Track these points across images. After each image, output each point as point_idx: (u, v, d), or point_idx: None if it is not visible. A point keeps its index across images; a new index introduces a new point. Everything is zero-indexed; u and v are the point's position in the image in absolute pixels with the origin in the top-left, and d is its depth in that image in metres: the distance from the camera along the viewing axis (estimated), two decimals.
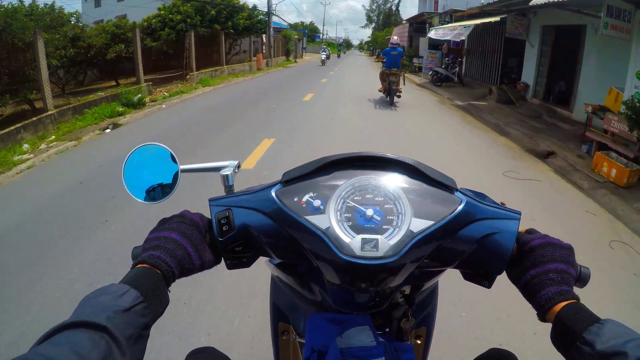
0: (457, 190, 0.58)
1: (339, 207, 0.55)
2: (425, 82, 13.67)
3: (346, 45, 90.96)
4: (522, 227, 0.58)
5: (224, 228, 0.58)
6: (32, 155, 5.25)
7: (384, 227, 0.53)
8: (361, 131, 5.98)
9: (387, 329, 0.63)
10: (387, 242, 0.52)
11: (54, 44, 8.82)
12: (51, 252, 2.62)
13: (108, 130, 6.60)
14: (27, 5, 10.26)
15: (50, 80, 11.30)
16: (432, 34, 12.62)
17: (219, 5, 14.96)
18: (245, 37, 17.65)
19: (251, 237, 0.59)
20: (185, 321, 1.96)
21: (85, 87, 12.89)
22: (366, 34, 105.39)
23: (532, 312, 0.52)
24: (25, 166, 4.71)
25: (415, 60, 18.51)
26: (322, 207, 0.55)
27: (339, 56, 42.65)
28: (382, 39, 38.08)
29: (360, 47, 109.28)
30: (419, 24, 19.21)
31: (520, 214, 0.58)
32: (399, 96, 8.61)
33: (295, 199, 0.57)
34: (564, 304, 0.49)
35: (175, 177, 0.68)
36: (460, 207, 0.55)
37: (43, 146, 5.82)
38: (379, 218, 0.54)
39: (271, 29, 21.67)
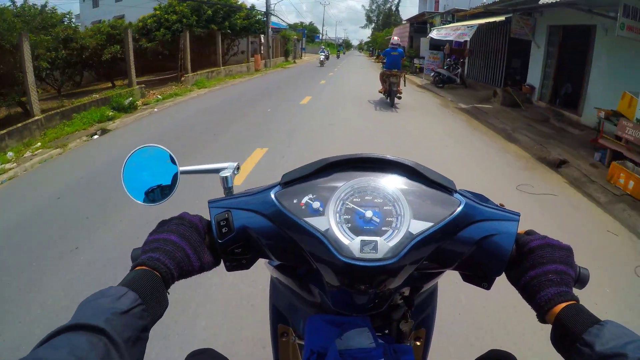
0: (456, 191, 0.58)
1: (338, 209, 0.55)
2: (427, 84, 13.35)
3: (346, 45, 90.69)
4: (521, 228, 0.58)
5: (224, 230, 0.57)
6: (15, 164, 4.95)
7: (383, 228, 0.53)
8: (361, 138, 5.67)
9: (387, 331, 0.62)
10: (386, 243, 0.52)
11: (44, 46, 8.53)
12: (8, 292, 2.27)
13: (96, 137, 6.30)
14: (18, 5, 10.01)
15: (45, 82, 11.26)
16: (434, 34, 12.30)
17: (215, 5, 14.64)
18: (243, 38, 17.33)
19: (250, 239, 0.59)
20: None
21: (81, 88, 12.72)
22: (366, 34, 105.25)
23: (532, 313, 0.52)
24: (7, 177, 4.41)
25: (416, 61, 18.22)
26: (321, 209, 0.55)
27: (338, 57, 42.32)
28: (382, 40, 37.81)
29: (360, 47, 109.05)
30: (420, 24, 18.92)
31: (519, 216, 0.57)
32: (399, 97, 8.53)
33: (295, 201, 0.57)
34: (563, 305, 0.49)
35: (175, 179, 0.68)
36: (459, 209, 0.55)
37: (28, 154, 5.52)
38: (378, 220, 0.54)
39: (270, 29, 21.36)
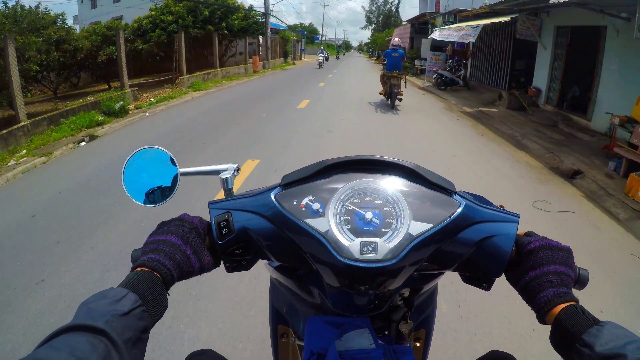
0: (455, 193, 0.58)
1: (338, 210, 0.55)
2: (429, 86, 13.06)
3: (345, 46, 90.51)
4: (521, 229, 0.58)
5: (224, 231, 0.57)
6: None
7: (383, 230, 0.53)
8: (361, 147, 5.35)
9: (386, 332, 0.62)
10: (386, 245, 0.51)
11: (35, 48, 8.25)
12: None
13: (83, 144, 6.00)
14: (10, 6, 9.74)
15: (42, 83, 11.03)
16: (436, 34, 11.99)
17: (212, 6, 14.33)
18: (241, 39, 17.04)
19: (250, 240, 0.59)
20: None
21: (78, 90, 12.54)
22: (365, 35, 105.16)
23: (532, 314, 0.52)
24: None
25: (417, 62, 17.94)
26: (321, 210, 0.55)
27: (337, 58, 42.00)
28: (382, 41, 37.57)
29: (360, 48, 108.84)
30: (421, 25, 18.65)
31: (519, 217, 0.57)
32: (400, 99, 8.44)
33: (295, 202, 0.57)
34: (563, 306, 0.49)
35: (175, 180, 0.68)
36: (459, 210, 0.55)
37: (12, 162, 5.22)
38: (378, 221, 0.54)
39: (268, 30, 21.07)
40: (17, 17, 9.21)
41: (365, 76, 18.28)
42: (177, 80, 11.37)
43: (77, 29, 14.26)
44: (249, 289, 2.22)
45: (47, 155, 5.33)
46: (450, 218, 0.54)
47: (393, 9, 67.08)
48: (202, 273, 0.57)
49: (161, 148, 0.68)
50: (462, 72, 12.31)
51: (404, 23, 27.10)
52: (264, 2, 21.14)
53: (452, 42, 12.65)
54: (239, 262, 0.60)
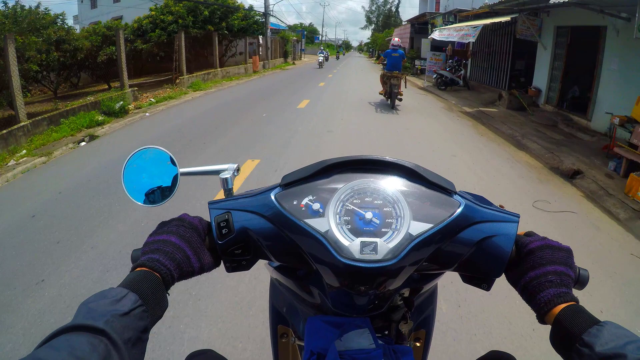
0: (455, 193, 0.58)
1: (338, 210, 0.55)
2: (429, 86, 13.05)
3: (345, 46, 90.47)
4: (521, 229, 0.58)
5: (223, 231, 0.57)
6: None
7: (383, 230, 0.53)
8: (361, 147, 5.36)
9: (386, 332, 0.62)
10: (386, 245, 0.51)
11: (35, 48, 8.25)
12: None
13: (83, 144, 6.00)
14: (10, 6, 9.73)
15: (42, 83, 11.03)
16: (436, 34, 11.98)
17: (212, 6, 14.33)
18: (241, 39, 17.03)
19: (250, 240, 0.58)
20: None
21: (79, 89, 12.54)
22: (366, 35, 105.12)
23: (532, 314, 0.52)
24: None
25: (417, 62, 17.93)
26: (321, 211, 0.55)
27: (337, 58, 42.01)
28: (382, 41, 37.56)
29: (360, 48, 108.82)
30: (421, 25, 18.65)
31: (519, 217, 0.57)
32: (400, 99, 8.46)
33: (295, 202, 0.56)
34: (563, 306, 0.48)
35: (175, 180, 0.68)
36: (459, 210, 0.55)
37: (12, 162, 5.21)
38: (378, 221, 0.54)
39: (268, 30, 21.07)
40: (17, 17, 9.21)
41: (366, 76, 18.27)
42: (177, 81, 11.37)
43: (77, 29, 14.26)
44: (249, 288, 2.23)
45: (47, 155, 5.33)
46: (450, 218, 0.54)
47: (393, 9, 67.12)
48: (202, 273, 0.57)
49: (161, 148, 0.68)
50: (462, 72, 12.31)
51: (403, 23, 27.10)
52: (264, 2, 21.15)
53: (452, 42, 12.64)
54: (239, 262, 0.59)
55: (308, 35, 52.24)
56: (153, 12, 13.65)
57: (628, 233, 3.18)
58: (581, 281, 0.56)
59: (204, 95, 10.56)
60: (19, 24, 8.74)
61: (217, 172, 0.73)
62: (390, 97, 8.36)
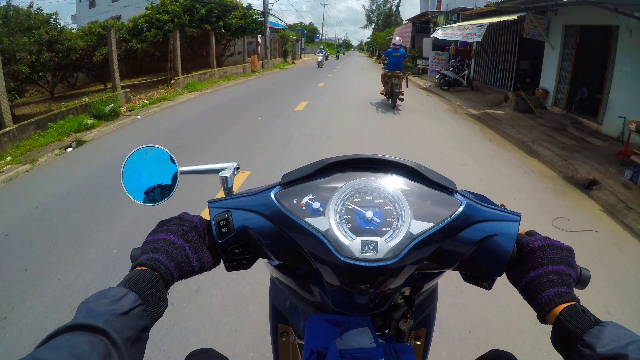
0: (457, 192, 0.58)
1: (339, 209, 0.55)
2: (431, 86, 12.74)
3: (346, 46, 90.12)
4: (522, 229, 0.57)
5: (223, 230, 0.57)
6: None
7: (384, 229, 0.53)
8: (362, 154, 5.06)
9: (387, 330, 0.62)
10: (386, 244, 0.51)
11: (25, 49, 7.97)
12: None
13: (70, 150, 5.71)
14: (0, 7, 9.43)
15: (38, 84, 10.76)
16: (439, 33, 11.66)
17: (209, 4, 14.01)
18: (240, 38, 16.71)
19: (250, 239, 0.58)
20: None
21: (76, 90, 12.26)
22: (366, 34, 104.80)
23: (533, 313, 0.52)
24: None
25: (419, 62, 17.61)
26: (321, 209, 0.54)
27: (337, 57, 41.64)
28: (383, 40, 37.23)
29: (360, 47, 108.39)
30: (423, 24, 18.34)
31: (520, 216, 0.57)
32: (401, 99, 8.34)
33: (295, 201, 0.56)
34: (564, 305, 0.48)
35: (175, 179, 0.68)
36: (460, 209, 0.55)
37: None
38: (378, 220, 0.54)
39: (267, 30, 20.75)
40: (8, 18, 8.91)
41: (366, 76, 17.94)
42: (172, 81, 11.06)
43: (76, 28, 13.99)
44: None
45: (32, 163, 5.04)
46: (452, 217, 0.54)
47: (393, 8, 66.78)
48: (201, 272, 0.56)
49: (161, 147, 0.68)
50: (466, 72, 11.99)
51: (404, 22, 26.77)
52: (262, 1, 20.82)
53: (455, 41, 12.32)
54: (238, 261, 0.59)
55: (308, 35, 51.89)
56: (149, 11, 13.34)
57: None
58: (582, 281, 0.55)
59: (199, 97, 10.24)
60: (8, 25, 8.44)
61: (217, 171, 0.73)
62: (392, 97, 8.25)
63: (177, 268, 0.51)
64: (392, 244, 0.51)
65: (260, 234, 0.57)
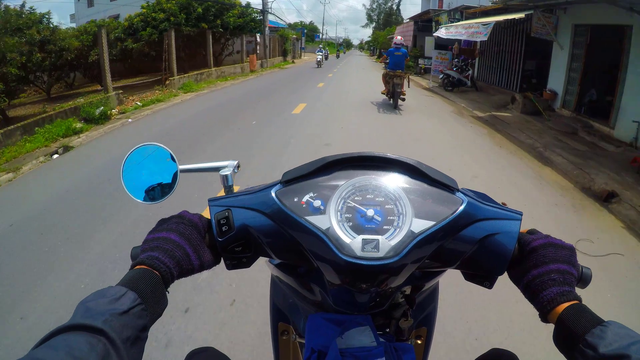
0: (458, 190, 0.58)
1: (340, 208, 0.54)
2: (434, 86, 12.43)
3: (346, 45, 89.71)
4: (524, 227, 0.56)
5: (224, 228, 0.57)
6: None
7: (385, 227, 0.53)
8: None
9: (388, 329, 0.62)
10: (387, 242, 0.51)
11: (15, 49, 7.71)
12: None
13: (56, 156, 5.43)
14: None
15: (34, 84, 10.50)
16: (442, 32, 11.33)
17: (206, 2, 13.69)
18: (238, 37, 16.40)
19: (251, 238, 0.58)
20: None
21: (73, 90, 12.03)
22: (367, 33, 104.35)
23: (534, 312, 0.51)
24: None
25: (421, 61, 17.28)
26: (322, 208, 0.54)
27: (338, 56, 41.29)
28: (384, 39, 36.88)
29: (361, 46, 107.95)
30: (424, 22, 18.01)
31: (521, 215, 0.56)
32: (403, 99, 8.18)
33: (296, 199, 0.56)
34: (566, 305, 0.48)
35: (175, 177, 0.68)
36: (461, 208, 0.55)
37: None
38: (379, 218, 0.53)
39: (267, 28, 20.42)
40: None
41: (367, 75, 17.62)
42: (167, 82, 10.77)
43: (74, 27, 13.72)
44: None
45: (15, 171, 4.76)
46: (453, 215, 0.53)
47: (394, 7, 66.37)
48: (202, 271, 0.56)
49: (161, 145, 0.68)
50: (470, 72, 11.67)
51: (406, 20, 26.44)
52: None
53: (459, 41, 12.00)
54: (239, 260, 0.59)
55: (308, 34, 51.52)
56: (144, 10, 13.03)
57: None
58: (584, 279, 0.55)
59: (195, 98, 9.92)
60: None
61: (217, 169, 0.73)
62: (393, 96, 8.13)
63: (177, 266, 0.51)
64: (393, 242, 0.51)
65: (260, 232, 0.56)
